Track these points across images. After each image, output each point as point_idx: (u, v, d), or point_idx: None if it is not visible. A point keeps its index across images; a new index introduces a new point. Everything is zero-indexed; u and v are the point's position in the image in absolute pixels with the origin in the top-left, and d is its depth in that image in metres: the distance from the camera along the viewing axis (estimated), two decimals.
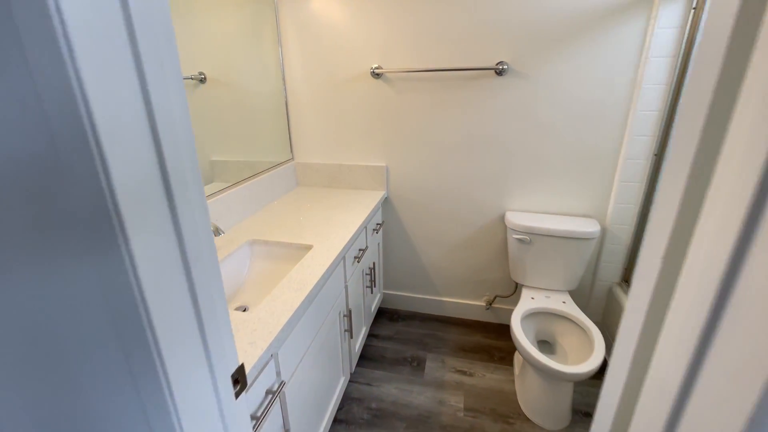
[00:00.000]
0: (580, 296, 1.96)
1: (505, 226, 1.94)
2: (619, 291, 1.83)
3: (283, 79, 1.92)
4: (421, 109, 1.82)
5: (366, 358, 1.93)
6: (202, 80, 1.45)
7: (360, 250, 1.64)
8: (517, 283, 1.96)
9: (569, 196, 1.79)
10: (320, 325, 1.25)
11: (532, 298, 1.76)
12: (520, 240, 1.76)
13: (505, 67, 1.65)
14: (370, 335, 2.09)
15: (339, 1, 1.72)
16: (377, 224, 1.94)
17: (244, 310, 1.25)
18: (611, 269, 1.85)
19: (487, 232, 1.98)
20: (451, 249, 2.07)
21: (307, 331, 1.15)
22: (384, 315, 2.26)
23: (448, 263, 2.11)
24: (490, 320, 2.18)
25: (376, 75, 1.81)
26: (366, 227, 1.72)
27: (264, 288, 1.33)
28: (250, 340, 0.88)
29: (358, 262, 1.58)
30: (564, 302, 1.72)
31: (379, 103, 1.86)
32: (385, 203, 2.06)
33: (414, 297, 2.25)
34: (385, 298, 2.30)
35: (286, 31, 1.84)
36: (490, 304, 2.13)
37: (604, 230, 1.79)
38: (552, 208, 1.84)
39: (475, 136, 1.80)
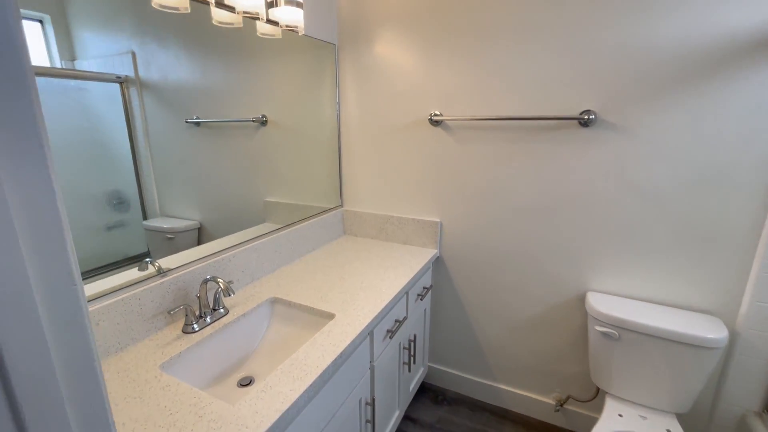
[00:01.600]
0: (695, 423, 1.43)
1: (585, 311, 1.53)
2: (757, 423, 1.29)
3: (338, 124, 1.85)
4: (485, 162, 1.58)
5: None
6: (264, 122, 1.43)
7: (396, 321, 1.40)
8: (599, 388, 1.51)
9: (679, 282, 1.35)
10: (330, 418, 1.02)
11: (620, 416, 1.31)
12: (605, 334, 1.35)
13: (592, 117, 1.35)
14: (407, 418, 1.77)
15: (401, 45, 1.62)
16: (424, 288, 1.68)
17: (249, 383, 1.07)
18: (745, 391, 1.32)
19: (561, 314, 1.59)
20: (513, 327, 1.71)
21: (308, 427, 0.92)
22: (427, 393, 1.93)
23: (510, 344, 1.74)
24: (559, 425, 1.72)
25: (435, 122, 1.63)
26: (407, 293, 1.48)
27: (277, 357, 1.15)
28: None
29: (391, 337, 1.33)
30: (669, 430, 1.25)
31: (437, 152, 1.66)
32: (437, 263, 1.81)
33: (464, 377, 1.89)
34: (430, 372, 1.97)
35: (344, 76, 1.79)
36: (561, 405, 1.68)
37: (733, 335, 1.30)
38: (653, 296, 1.41)
39: (551, 197, 1.49)
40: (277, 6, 1.30)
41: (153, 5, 1.01)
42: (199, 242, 1.22)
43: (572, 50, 1.34)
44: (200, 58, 1.15)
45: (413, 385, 1.73)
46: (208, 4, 1.11)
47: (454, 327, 1.85)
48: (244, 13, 1.18)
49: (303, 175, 1.67)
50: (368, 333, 1.16)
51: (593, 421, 1.62)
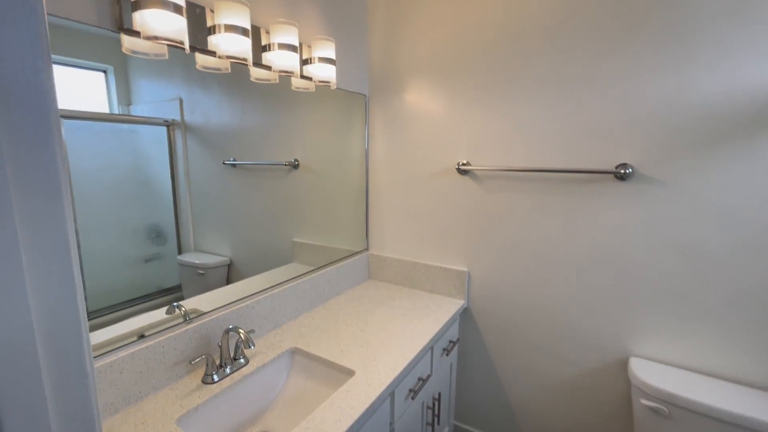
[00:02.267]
0: None
1: (628, 379, 1.40)
2: None
3: (366, 169, 1.88)
4: (514, 213, 1.53)
5: None
6: (295, 166, 1.48)
7: (420, 379, 1.33)
8: None
9: (737, 354, 1.21)
10: None
11: None
12: (653, 410, 1.22)
13: (629, 171, 1.29)
14: None
15: (429, 96, 1.65)
16: (450, 342, 1.60)
17: None
18: None
19: (600, 380, 1.46)
20: (546, 389, 1.58)
21: None
22: None
23: (543, 407, 1.60)
24: None
25: (463, 171, 1.62)
26: (432, 348, 1.41)
27: (295, 413, 1.11)
28: None
29: (414, 397, 1.25)
30: None
31: (465, 201, 1.64)
32: (464, 315, 1.73)
33: None
34: (456, 431, 1.84)
35: (374, 123, 1.83)
36: None
37: None
38: (705, 367, 1.26)
39: (585, 252, 1.41)
40: (311, 63, 1.38)
41: (197, 67, 1.09)
42: (229, 279, 1.25)
43: (608, 102, 1.31)
44: (239, 105, 1.23)
45: None
46: (246, 64, 1.20)
47: (482, 384, 1.74)
48: (280, 71, 1.25)
49: (330, 218, 1.69)
50: (389, 393, 1.11)
51: None
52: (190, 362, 1.01)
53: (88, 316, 0.91)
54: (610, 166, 1.33)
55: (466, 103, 1.57)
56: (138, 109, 0.97)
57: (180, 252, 1.10)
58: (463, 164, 1.60)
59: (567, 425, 1.55)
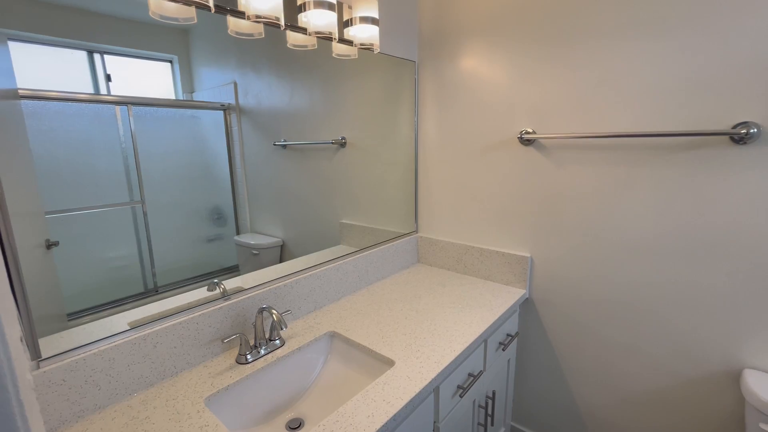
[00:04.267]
0: None
1: (741, 397, 1.11)
2: None
3: (416, 145, 1.73)
4: (592, 189, 1.29)
5: None
6: (343, 144, 1.41)
7: (470, 375, 1.18)
8: None
9: None
10: None
11: None
12: None
13: (753, 131, 0.99)
14: None
15: (487, 57, 1.44)
16: (508, 335, 1.42)
17: (298, 426, 0.97)
18: None
19: (699, 392, 1.18)
20: (624, 398, 1.33)
21: None
22: None
23: (620, 418, 1.36)
24: None
25: (527, 141, 1.40)
26: (486, 341, 1.25)
27: (331, 403, 1.04)
28: None
29: (462, 395, 1.11)
30: None
31: (528, 176, 1.42)
32: (525, 307, 1.53)
33: None
34: None
35: (424, 93, 1.67)
36: None
37: None
38: None
39: (686, 235, 1.14)
40: (351, 25, 1.25)
41: (229, 32, 1.02)
42: (281, 259, 1.26)
43: (724, 43, 1.01)
44: (288, 83, 1.21)
45: None
46: (279, 27, 1.10)
47: (545, 385, 1.53)
48: (317, 33, 1.15)
49: (378, 198, 1.59)
50: (432, 389, 0.98)
51: None
52: (223, 341, 0.97)
53: (156, 290, 0.96)
54: (725, 126, 1.04)
55: (530, 60, 1.34)
56: (199, 96, 1.00)
57: (238, 233, 1.13)
58: (527, 133, 1.38)
59: None
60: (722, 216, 1.07)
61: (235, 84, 1.07)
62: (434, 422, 1.04)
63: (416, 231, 1.81)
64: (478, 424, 1.31)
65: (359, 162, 1.49)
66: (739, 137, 1.01)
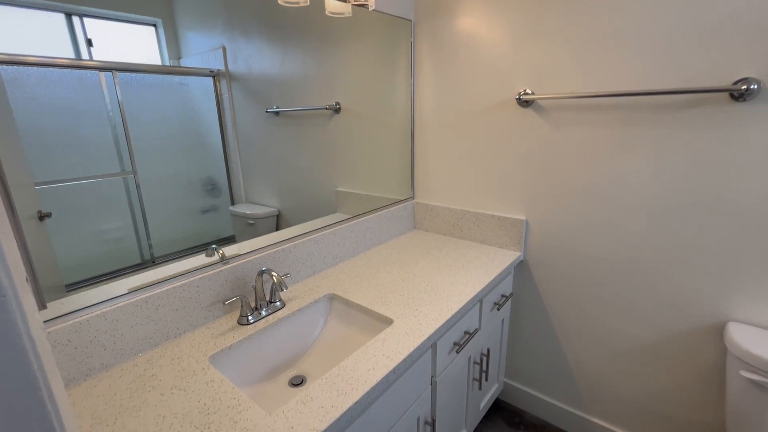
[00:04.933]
0: None
1: (724, 347, 1.17)
2: None
3: (412, 109, 1.70)
4: (589, 150, 1.28)
5: None
6: (337, 110, 1.38)
7: (466, 333, 1.21)
8: None
9: None
10: None
11: None
12: (757, 384, 0.99)
13: (753, 87, 0.98)
14: None
15: (484, 14, 1.39)
16: (503, 296, 1.46)
17: (300, 383, 1.01)
18: None
19: (685, 345, 1.24)
20: (615, 353, 1.39)
21: None
22: (501, 412, 1.70)
23: (609, 373, 1.43)
24: None
25: (525, 102, 1.37)
26: (481, 301, 1.28)
27: (332, 359, 1.07)
28: None
29: (459, 351, 1.15)
30: None
31: (526, 138, 1.41)
32: (520, 269, 1.56)
33: (547, 402, 1.62)
34: (506, 389, 1.74)
35: (420, 55, 1.62)
36: None
37: None
38: None
39: (681, 195, 1.15)
40: None
41: None
42: (278, 229, 1.25)
43: None
44: (279, 47, 1.16)
45: (484, 404, 1.53)
46: None
47: (538, 344, 1.59)
48: None
49: (374, 165, 1.58)
50: (430, 345, 1.01)
51: None
52: (224, 303, 0.99)
53: (153, 261, 0.96)
54: (726, 82, 1.02)
55: (529, 18, 1.30)
56: (186, 62, 0.97)
57: (233, 203, 1.12)
58: (525, 94, 1.35)
59: (640, 395, 1.37)
60: (718, 175, 1.08)
61: (224, 49, 1.03)
62: (432, 376, 1.08)
63: (412, 197, 1.81)
64: (473, 379, 1.36)
65: (354, 128, 1.46)
66: (738, 94, 1.01)
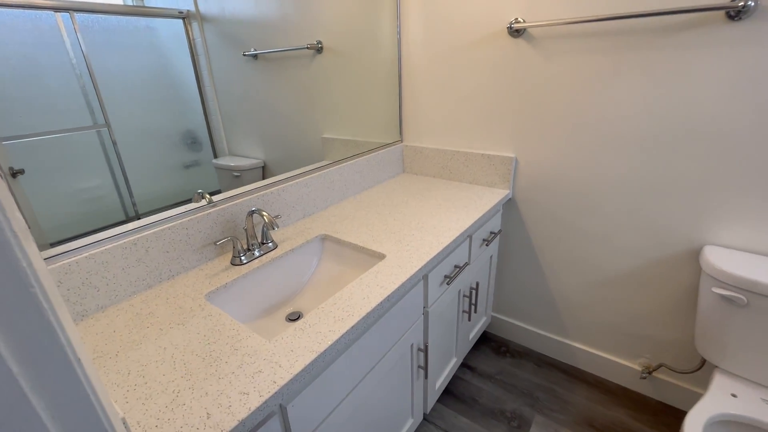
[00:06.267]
0: None
1: (699, 268, 1.23)
2: None
3: (399, 45, 1.61)
4: (580, 80, 1.25)
5: (453, 394, 1.55)
6: (319, 50, 1.30)
7: (456, 267, 1.25)
8: (704, 360, 1.24)
9: None
10: (378, 360, 0.95)
11: (734, 396, 1.06)
12: (726, 298, 1.07)
13: (750, 3, 0.95)
14: (465, 366, 1.69)
15: None
16: (491, 233, 1.49)
17: (297, 318, 1.04)
18: None
19: (664, 270, 1.30)
20: (597, 282, 1.46)
21: (354, 366, 0.86)
22: (488, 343, 1.81)
23: (591, 301, 1.51)
24: (644, 392, 1.50)
25: (516, 32, 1.31)
26: (471, 237, 1.31)
27: (327, 294, 1.10)
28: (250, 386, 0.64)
29: (449, 283, 1.19)
30: None
31: (517, 71, 1.36)
32: (508, 206, 1.58)
33: (532, 331, 1.72)
34: (493, 322, 1.84)
35: None
36: (650, 372, 1.44)
37: None
38: None
39: (669, 123, 1.15)
40: None
41: None
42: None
43: None
44: None
45: (473, 334, 1.62)
46: None
47: (524, 277, 1.66)
48: None
49: (361, 108, 1.52)
50: (421, 277, 1.04)
51: (690, 395, 1.38)
52: (215, 244, 0.98)
53: (138, 218, 0.90)
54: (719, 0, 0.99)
55: None
56: (152, 2, 0.88)
57: (215, 156, 1.08)
58: (516, 22, 1.29)
59: (618, 318, 1.46)
60: (705, 100, 1.07)
61: None
62: (424, 307, 1.13)
63: (401, 140, 1.78)
64: (463, 311, 1.43)
65: (339, 68, 1.38)
66: (735, 12, 0.97)
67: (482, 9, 1.35)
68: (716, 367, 1.17)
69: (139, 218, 0.94)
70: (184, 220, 0.99)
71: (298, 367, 0.68)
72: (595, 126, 1.27)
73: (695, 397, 1.37)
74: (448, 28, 1.46)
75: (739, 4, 0.95)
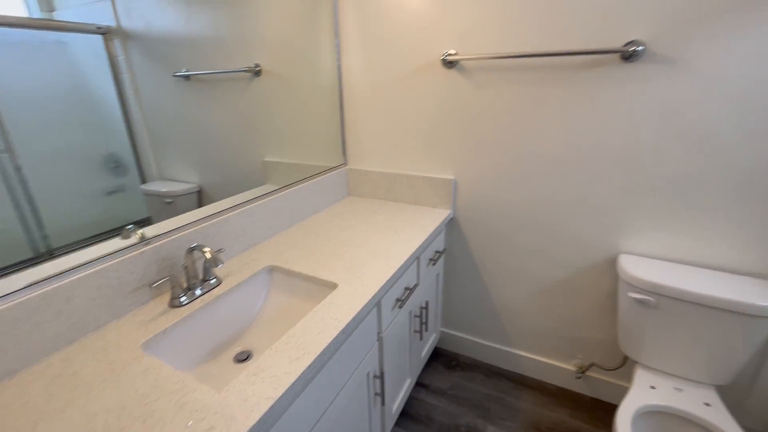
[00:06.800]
0: (734, 396, 1.32)
1: (616, 276, 1.39)
2: None
3: (339, 71, 1.64)
4: (507, 108, 1.37)
5: (409, 416, 1.56)
6: (257, 73, 1.27)
7: (406, 289, 1.28)
8: (626, 356, 1.40)
9: (731, 242, 1.18)
10: (336, 395, 0.93)
11: (653, 388, 1.20)
12: (639, 301, 1.21)
13: (640, 48, 1.12)
14: (419, 385, 1.71)
15: None
16: (436, 252, 1.55)
17: (246, 359, 0.98)
18: None
19: (588, 279, 1.45)
20: (534, 292, 1.58)
21: (311, 405, 0.83)
22: (439, 359, 1.86)
23: (529, 309, 1.62)
24: (581, 391, 1.64)
25: (449, 63, 1.41)
26: (419, 258, 1.35)
27: (278, 331, 1.06)
28: None
29: (401, 306, 1.21)
30: (708, 404, 1.14)
31: (451, 99, 1.46)
32: (450, 225, 1.66)
33: (479, 343, 1.80)
34: (443, 337, 1.89)
35: (344, 12, 1.55)
36: (584, 372, 1.58)
37: None
38: (698, 258, 1.24)
39: (582, 147, 1.30)
40: None
41: None
42: (200, 206, 1.15)
43: None
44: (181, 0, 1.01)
45: (425, 352, 1.65)
46: None
47: (468, 292, 1.74)
48: None
49: (303, 132, 1.51)
50: (375, 304, 1.05)
51: (618, 389, 1.53)
52: (150, 286, 0.90)
53: (51, 254, 0.80)
54: (618, 44, 1.15)
55: None
56: (63, 15, 0.80)
57: (143, 181, 0.99)
58: (450, 55, 1.38)
59: (553, 324, 1.59)
60: (610, 127, 1.24)
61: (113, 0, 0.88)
62: (378, 333, 1.13)
63: (345, 164, 1.79)
64: (415, 331, 1.45)
65: (279, 92, 1.37)
66: (628, 55, 1.14)
67: (417, 40, 1.44)
68: (636, 362, 1.32)
69: (51, 254, 0.82)
70: (113, 262, 0.90)
71: (255, 418, 0.65)
72: (523, 150, 1.39)
73: (623, 391, 1.53)
74: (386, 57, 1.52)
75: (630, 49, 1.12)
